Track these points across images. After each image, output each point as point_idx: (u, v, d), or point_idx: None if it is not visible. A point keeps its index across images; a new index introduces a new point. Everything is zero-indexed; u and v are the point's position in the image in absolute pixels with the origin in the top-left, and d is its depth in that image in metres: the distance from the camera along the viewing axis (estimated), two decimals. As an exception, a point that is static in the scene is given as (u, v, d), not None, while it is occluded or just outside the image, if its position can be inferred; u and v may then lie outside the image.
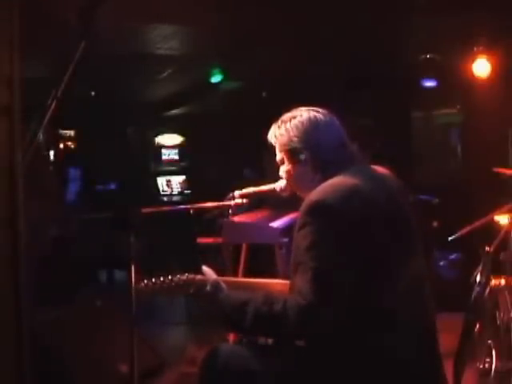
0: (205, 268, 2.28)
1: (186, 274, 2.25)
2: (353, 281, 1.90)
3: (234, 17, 4.82)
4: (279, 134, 2.24)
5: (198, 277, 2.24)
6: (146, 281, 2.25)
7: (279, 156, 2.28)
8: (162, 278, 2.24)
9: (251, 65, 6.53)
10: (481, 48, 5.59)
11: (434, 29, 5.14)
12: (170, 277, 2.25)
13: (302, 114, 2.23)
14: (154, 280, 2.24)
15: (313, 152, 2.17)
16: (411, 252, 2.09)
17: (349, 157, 2.20)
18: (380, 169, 2.24)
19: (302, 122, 2.20)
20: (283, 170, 2.29)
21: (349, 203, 1.97)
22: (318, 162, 2.17)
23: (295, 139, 2.18)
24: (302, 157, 2.18)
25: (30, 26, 2.52)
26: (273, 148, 2.30)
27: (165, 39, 5.47)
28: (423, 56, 5.94)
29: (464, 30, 5.08)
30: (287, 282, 2.31)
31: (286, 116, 2.26)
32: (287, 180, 2.32)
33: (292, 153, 2.21)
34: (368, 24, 5.10)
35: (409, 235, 2.11)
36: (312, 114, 2.23)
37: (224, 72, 6.57)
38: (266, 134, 2.32)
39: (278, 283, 2.51)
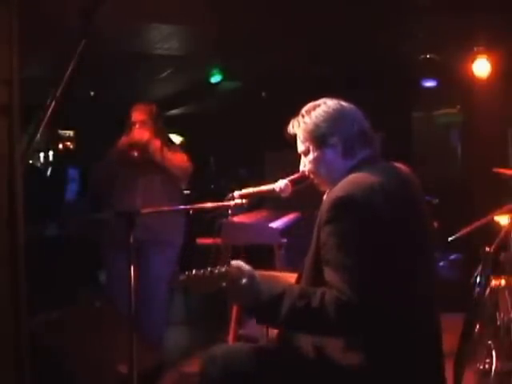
0: (235, 262, 2.10)
1: (218, 267, 2.09)
2: (380, 278, 1.88)
3: (234, 17, 4.82)
4: (304, 122, 2.19)
5: (234, 269, 2.06)
6: (187, 272, 2.12)
7: (303, 147, 2.21)
8: (202, 271, 2.10)
9: (251, 65, 6.53)
10: (481, 48, 5.59)
11: (434, 29, 5.14)
12: (209, 269, 2.10)
13: (326, 102, 2.21)
14: (194, 272, 2.11)
15: (342, 136, 2.15)
16: (426, 253, 2.10)
17: (374, 146, 2.20)
18: (403, 167, 2.23)
19: (328, 110, 2.17)
20: (309, 160, 2.21)
21: (374, 199, 1.96)
22: (348, 145, 2.15)
23: (323, 125, 2.15)
24: (332, 140, 2.15)
25: (30, 26, 2.52)
26: (294, 140, 2.25)
27: (165, 39, 5.47)
28: (423, 56, 5.94)
29: (464, 30, 5.08)
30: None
31: (309, 105, 2.22)
32: (313, 170, 2.22)
33: (321, 138, 2.16)
34: (368, 24, 5.10)
35: (425, 236, 2.12)
36: (336, 101, 2.21)
37: (224, 72, 6.57)
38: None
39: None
